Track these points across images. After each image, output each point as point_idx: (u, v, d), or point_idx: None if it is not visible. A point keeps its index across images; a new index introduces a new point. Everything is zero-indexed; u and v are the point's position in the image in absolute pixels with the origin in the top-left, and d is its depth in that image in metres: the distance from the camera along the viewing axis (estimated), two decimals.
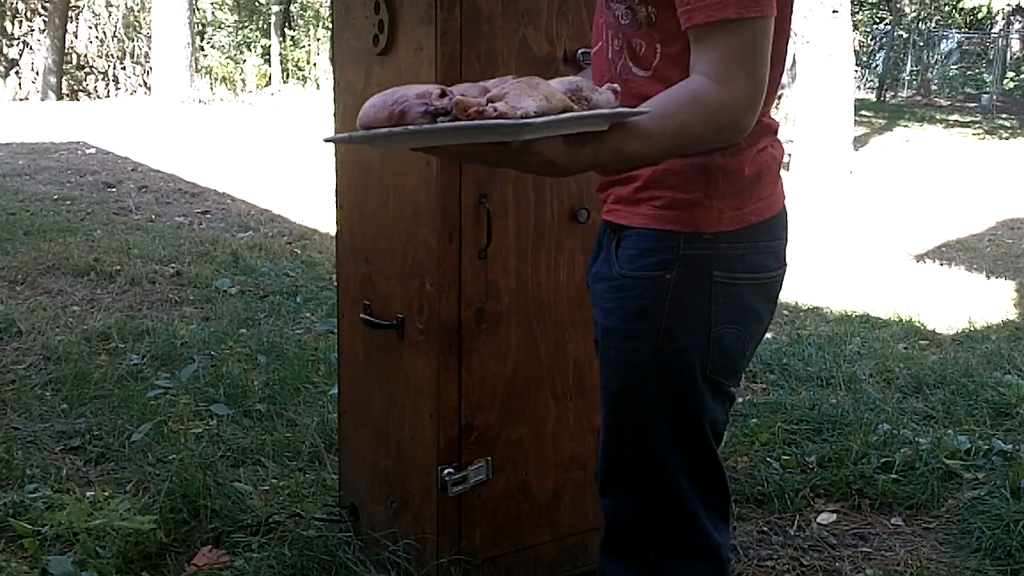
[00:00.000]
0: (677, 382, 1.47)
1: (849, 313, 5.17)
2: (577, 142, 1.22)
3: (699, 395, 1.47)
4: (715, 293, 1.44)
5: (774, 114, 1.54)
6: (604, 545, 1.60)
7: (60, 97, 17.91)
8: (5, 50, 19.53)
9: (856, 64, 19.33)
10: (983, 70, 21.09)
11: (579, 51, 2.08)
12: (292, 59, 21.91)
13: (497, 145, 1.19)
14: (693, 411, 1.48)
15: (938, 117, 17.78)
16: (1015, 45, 22.69)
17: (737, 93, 1.29)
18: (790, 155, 10.90)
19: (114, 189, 7.88)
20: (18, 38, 19.68)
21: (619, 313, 1.48)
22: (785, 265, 1.54)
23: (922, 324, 4.96)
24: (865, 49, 23.81)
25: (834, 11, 10.99)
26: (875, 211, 8.80)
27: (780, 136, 1.54)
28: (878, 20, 26.03)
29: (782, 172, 1.53)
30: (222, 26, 23.94)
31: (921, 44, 23.30)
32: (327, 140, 1.35)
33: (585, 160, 1.25)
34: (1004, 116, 17.37)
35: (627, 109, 1.26)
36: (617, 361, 1.50)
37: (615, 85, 1.31)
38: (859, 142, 13.47)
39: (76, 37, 20.11)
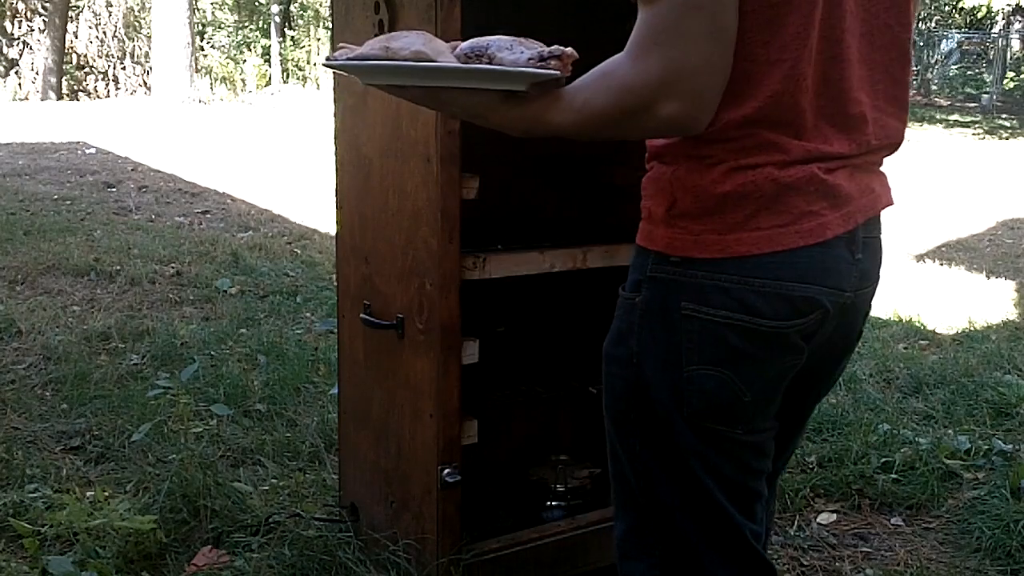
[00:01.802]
0: (653, 417, 1.31)
1: None
2: (511, 100, 1.22)
3: (681, 436, 1.30)
4: (686, 327, 1.25)
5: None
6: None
7: (60, 97, 17.92)
8: (5, 50, 19.54)
9: None
10: (983, 70, 21.08)
11: None
12: (292, 59, 21.92)
13: (396, 86, 1.26)
14: (679, 452, 1.31)
15: (938, 117, 17.78)
16: (1015, 45, 22.67)
17: (640, 71, 1.13)
18: None
19: (114, 189, 7.88)
20: (18, 38, 19.68)
21: (609, 334, 1.37)
22: (808, 317, 1.27)
23: (922, 324, 4.96)
24: None
25: None
26: None
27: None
28: None
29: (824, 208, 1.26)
30: (222, 26, 23.95)
31: (921, 44, 23.30)
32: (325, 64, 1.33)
33: (515, 119, 1.23)
34: (1004, 116, 17.38)
35: (502, 68, 1.21)
36: (606, 386, 1.38)
37: (560, 49, 1.20)
38: None
39: (76, 37, 20.12)
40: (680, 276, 1.25)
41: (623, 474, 1.39)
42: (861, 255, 1.31)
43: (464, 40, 1.29)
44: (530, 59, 1.21)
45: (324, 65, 1.28)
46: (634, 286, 1.31)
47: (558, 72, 1.20)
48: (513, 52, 1.22)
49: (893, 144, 1.37)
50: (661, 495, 1.35)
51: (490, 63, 1.22)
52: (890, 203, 1.40)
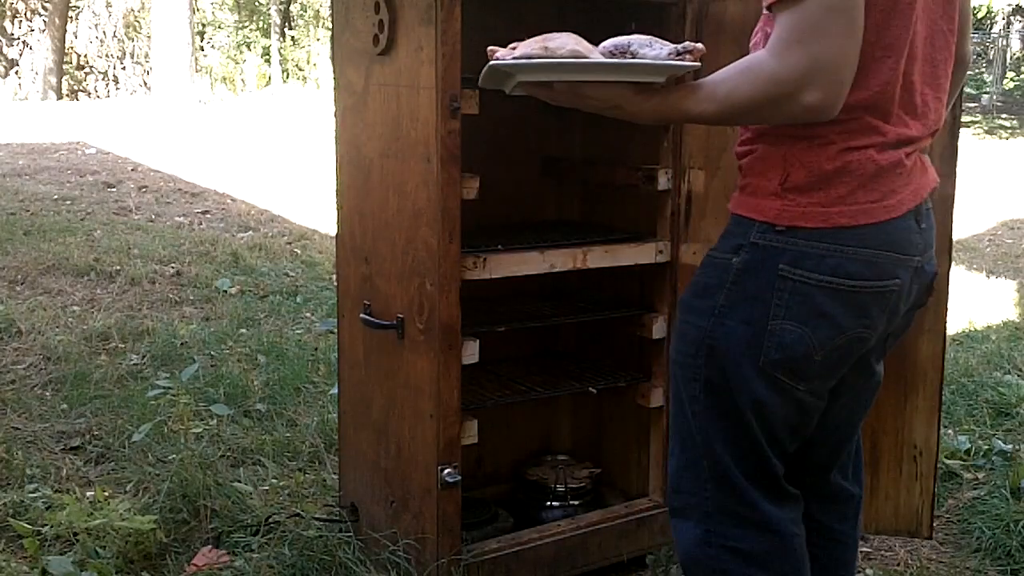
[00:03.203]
0: (723, 364, 1.49)
1: None
2: (646, 92, 1.42)
3: (744, 382, 1.48)
4: (779, 287, 1.45)
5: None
6: (670, 508, 1.65)
7: (60, 97, 17.89)
8: (5, 50, 19.52)
9: None
10: (983, 70, 21.05)
11: None
12: (292, 59, 21.90)
13: (543, 85, 1.45)
14: (736, 398, 1.50)
15: None
16: (1015, 45, 22.65)
17: (788, 66, 1.31)
18: None
19: (114, 189, 7.87)
20: (18, 38, 19.66)
21: (690, 288, 1.56)
22: (887, 281, 1.48)
23: None
24: None
25: None
26: None
27: None
28: None
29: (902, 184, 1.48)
30: (222, 26, 23.92)
31: None
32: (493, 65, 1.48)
33: (651, 109, 1.43)
34: (1004, 116, 17.35)
35: (651, 62, 1.38)
36: (679, 332, 1.57)
37: (692, 44, 1.39)
38: None
39: (76, 37, 20.09)
40: (783, 243, 1.45)
41: (683, 414, 1.58)
42: (924, 224, 1.53)
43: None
44: (669, 54, 1.38)
45: (492, 65, 1.44)
46: (733, 249, 1.49)
47: (697, 64, 1.37)
48: (653, 48, 1.40)
49: (939, 127, 1.57)
50: (713, 433, 1.54)
51: (633, 59, 1.39)
52: (937, 181, 1.59)
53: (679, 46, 1.39)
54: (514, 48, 1.44)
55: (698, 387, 1.53)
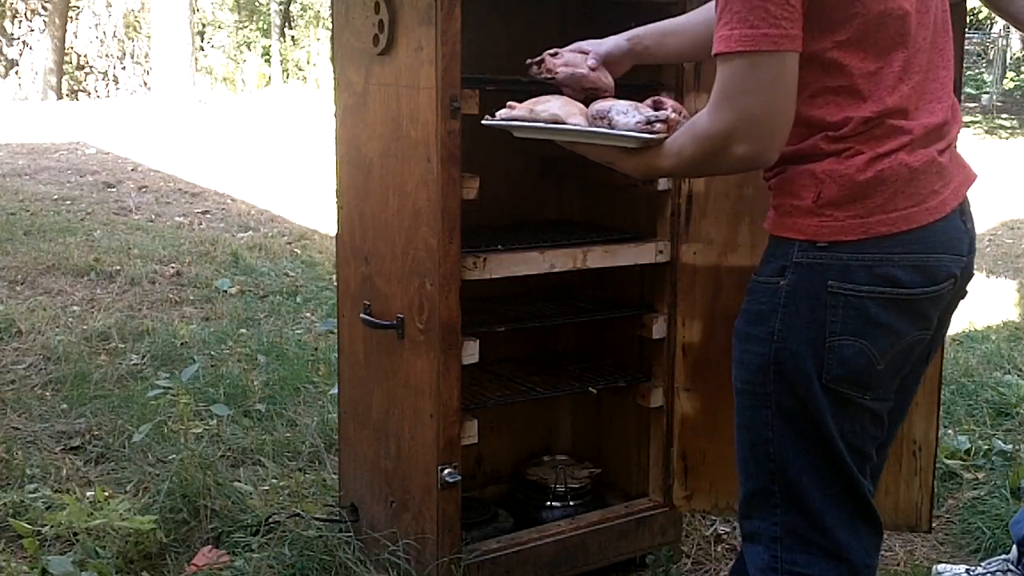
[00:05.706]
0: (794, 386, 1.48)
1: None
2: (629, 151, 1.53)
3: (818, 402, 1.47)
4: (831, 303, 1.44)
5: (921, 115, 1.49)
6: (742, 534, 1.64)
7: (60, 97, 17.88)
8: (5, 50, 19.51)
9: None
10: (983, 70, 21.02)
11: None
12: (292, 59, 21.90)
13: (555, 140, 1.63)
14: (814, 417, 1.48)
15: None
16: (1015, 45, 22.63)
17: (719, 122, 1.39)
18: None
19: (114, 189, 7.87)
20: (18, 38, 19.66)
21: (744, 316, 1.54)
22: (941, 284, 1.48)
23: None
24: None
25: None
26: None
27: None
28: None
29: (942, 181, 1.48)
30: (222, 26, 23.92)
31: None
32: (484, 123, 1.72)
33: (633, 166, 1.54)
34: (1004, 116, 17.34)
35: (614, 131, 1.52)
36: (740, 362, 1.55)
37: (667, 113, 1.48)
38: None
39: (76, 37, 20.08)
40: (827, 259, 1.45)
41: (753, 443, 1.56)
42: (969, 223, 1.54)
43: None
44: (638, 122, 1.50)
45: (482, 123, 1.69)
46: (777, 271, 1.49)
47: (655, 136, 1.48)
48: (627, 116, 1.52)
49: (956, 98, 1.58)
50: (789, 457, 1.52)
51: (609, 125, 1.53)
52: (975, 176, 1.59)
53: (652, 115, 1.49)
54: (512, 108, 1.66)
55: (769, 413, 1.52)
